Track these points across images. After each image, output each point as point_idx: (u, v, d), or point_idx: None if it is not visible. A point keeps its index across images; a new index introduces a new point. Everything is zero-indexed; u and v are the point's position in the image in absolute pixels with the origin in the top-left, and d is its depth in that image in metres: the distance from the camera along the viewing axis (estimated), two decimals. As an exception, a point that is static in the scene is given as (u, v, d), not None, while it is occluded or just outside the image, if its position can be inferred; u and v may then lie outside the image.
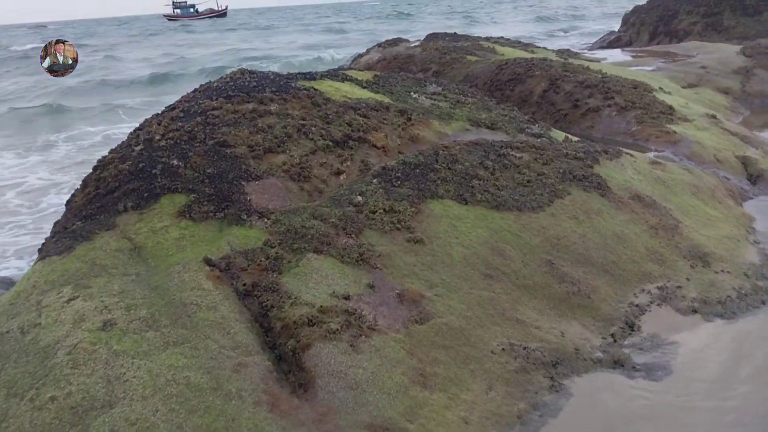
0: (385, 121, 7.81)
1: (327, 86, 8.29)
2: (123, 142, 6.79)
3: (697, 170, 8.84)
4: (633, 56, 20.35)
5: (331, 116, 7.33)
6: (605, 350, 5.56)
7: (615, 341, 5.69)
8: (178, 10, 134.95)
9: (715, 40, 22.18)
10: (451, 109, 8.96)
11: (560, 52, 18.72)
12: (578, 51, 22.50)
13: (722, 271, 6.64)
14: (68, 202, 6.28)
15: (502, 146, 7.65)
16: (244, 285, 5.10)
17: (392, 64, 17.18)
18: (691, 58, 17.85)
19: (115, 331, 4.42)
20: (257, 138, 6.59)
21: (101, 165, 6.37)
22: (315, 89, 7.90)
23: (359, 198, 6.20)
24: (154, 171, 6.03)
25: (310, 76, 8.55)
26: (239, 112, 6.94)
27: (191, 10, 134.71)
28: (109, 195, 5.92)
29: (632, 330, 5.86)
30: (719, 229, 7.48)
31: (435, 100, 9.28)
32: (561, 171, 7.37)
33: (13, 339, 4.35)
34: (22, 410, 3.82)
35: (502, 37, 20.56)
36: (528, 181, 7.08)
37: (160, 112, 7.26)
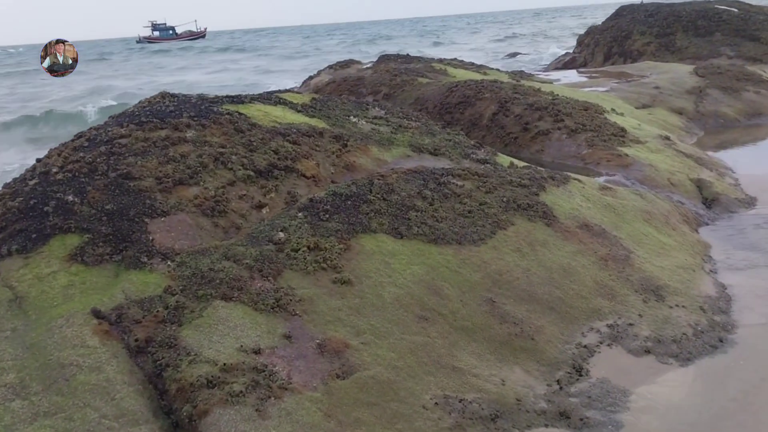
0: (318, 148, 7.24)
1: (255, 110, 7.70)
2: (19, 176, 6.09)
3: (650, 195, 8.44)
4: (587, 77, 20.22)
5: (255, 143, 6.73)
6: (550, 399, 5.02)
7: (561, 388, 5.16)
8: (156, 33, 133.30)
9: (668, 60, 22.21)
10: (392, 134, 8.44)
11: (513, 74, 18.45)
12: (532, 72, 22.32)
13: (677, 305, 6.18)
14: (-48, 244, 5.55)
15: (442, 174, 7.14)
16: (136, 340, 4.44)
17: (342, 87, 16.70)
18: (645, 78, 17.71)
19: (-30, 403, 3.73)
20: (167, 169, 5.95)
21: (-10, 201, 5.67)
22: (240, 113, 7.30)
23: (281, 234, 5.60)
24: (46, 209, 5.36)
25: (238, 100, 7.95)
26: (150, 140, 6.30)
27: (170, 32, 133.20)
28: (-7, 236, 5.22)
29: (580, 375, 5.33)
30: (673, 258, 7.05)
31: (376, 124, 8.75)
32: (505, 200, 6.88)
33: None
34: None
35: (455, 59, 20.25)
36: (469, 212, 6.57)
37: (64, 142, 6.58)
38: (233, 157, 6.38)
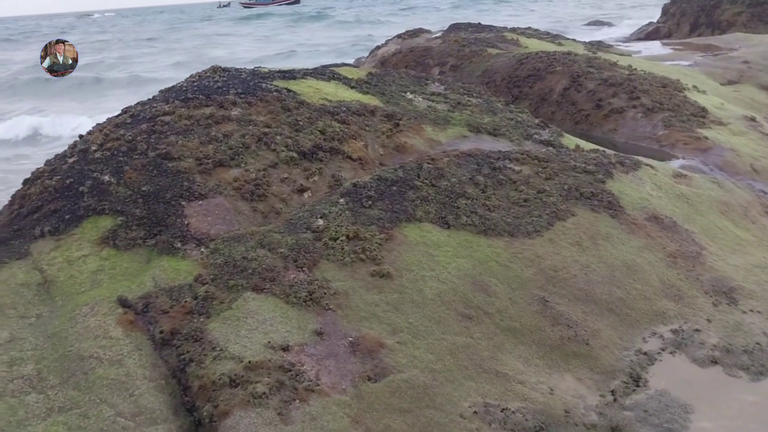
0: (368, 128, 6.90)
1: (306, 87, 7.40)
2: (61, 152, 6.01)
3: (729, 183, 7.73)
4: (671, 49, 18.99)
5: (301, 122, 6.44)
6: (602, 412, 4.61)
7: (615, 400, 4.74)
8: None
9: (761, 31, 20.61)
10: (449, 112, 8.01)
11: (590, 45, 17.47)
12: (611, 43, 21.16)
13: (751, 310, 5.61)
14: (-7, 221, 5.54)
15: (498, 158, 6.68)
16: (162, 332, 4.28)
17: (408, 57, 16.22)
18: (733, 52, 16.44)
19: (-15, 394, 3.63)
20: (208, 149, 5.74)
21: (31, 179, 5.61)
22: (289, 90, 7.01)
23: (320, 222, 5.32)
24: (81, 189, 5.24)
25: (290, 75, 7.66)
26: (193, 118, 6.10)
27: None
28: (30, 216, 5.15)
29: (637, 385, 4.89)
30: (750, 256, 6.41)
31: (433, 101, 8.33)
32: (566, 187, 6.38)
33: None
34: None
35: (529, 28, 19.38)
36: (525, 200, 6.12)
37: (109, 117, 6.47)
38: (277, 137, 6.11)
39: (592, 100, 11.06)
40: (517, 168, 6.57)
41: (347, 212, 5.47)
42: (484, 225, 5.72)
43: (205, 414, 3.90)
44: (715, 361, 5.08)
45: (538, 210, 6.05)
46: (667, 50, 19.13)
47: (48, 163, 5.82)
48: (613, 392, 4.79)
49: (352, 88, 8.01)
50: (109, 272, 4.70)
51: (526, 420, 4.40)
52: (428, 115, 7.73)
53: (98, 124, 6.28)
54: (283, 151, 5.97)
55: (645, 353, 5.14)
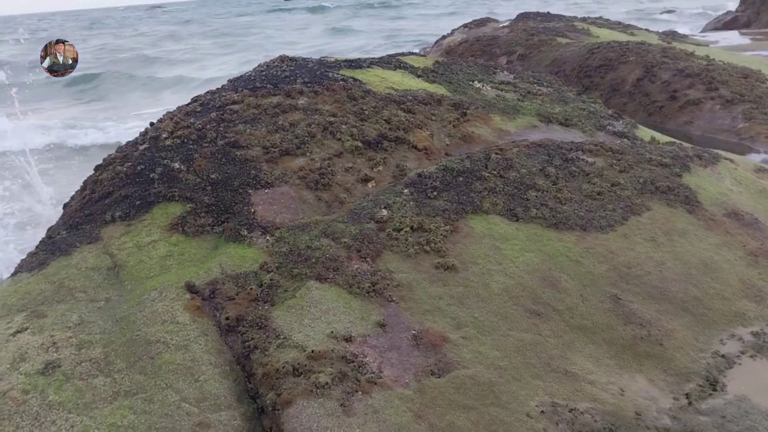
0: (434, 117, 6.79)
1: (372, 76, 7.34)
2: (133, 139, 6.12)
3: (817, 179, 7.29)
4: (750, 39, 18.18)
5: (367, 112, 6.39)
6: (676, 416, 4.40)
7: (690, 404, 4.51)
8: None
9: None
10: (518, 101, 7.82)
11: (664, 35, 16.88)
12: (686, 33, 20.38)
13: (841, 315, 5.26)
14: (65, 206, 5.69)
15: (571, 149, 6.47)
16: (227, 318, 4.29)
17: (474, 47, 16.02)
18: (819, 41, 15.61)
19: (56, 375, 3.71)
20: (275, 138, 5.75)
21: (102, 165, 5.73)
22: (355, 79, 6.97)
23: (384, 212, 5.25)
24: (152, 175, 5.32)
25: (356, 64, 7.61)
26: (261, 107, 6.12)
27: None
28: (101, 201, 5.26)
29: (714, 389, 4.64)
30: (840, 257, 6.02)
31: (502, 90, 8.15)
32: (641, 181, 6.13)
33: (-59, 379, 3.73)
34: None
35: (600, 17, 18.85)
36: (598, 193, 5.90)
37: (180, 105, 6.56)
38: (343, 126, 6.08)
39: (666, 91, 10.67)
40: (590, 160, 6.35)
41: (411, 203, 5.39)
42: (555, 218, 5.55)
43: (268, 402, 3.90)
44: (800, 367, 4.78)
45: (611, 203, 5.83)
46: (746, 40, 18.34)
47: (119, 149, 5.94)
48: (687, 396, 4.56)
49: (419, 77, 7.91)
50: (177, 258, 4.75)
51: (595, 421, 4.24)
52: (497, 105, 7.57)
53: (168, 112, 6.38)
54: (348, 140, 5.93)
55: (723, 356, 4.89)
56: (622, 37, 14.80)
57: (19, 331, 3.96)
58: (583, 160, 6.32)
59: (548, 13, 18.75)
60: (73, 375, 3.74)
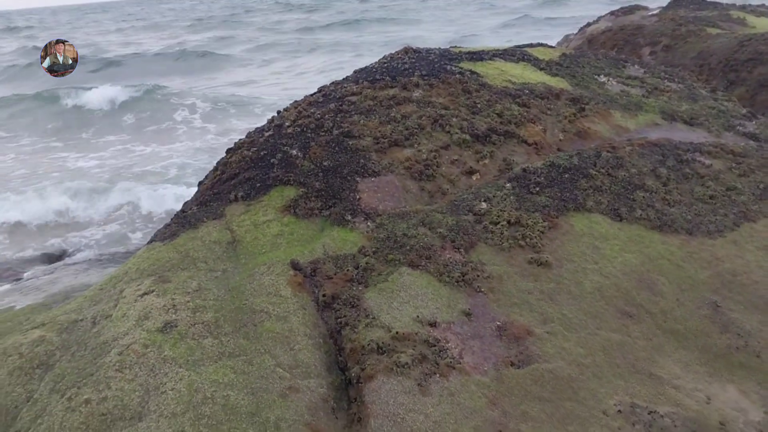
0: (549, 111, 6.81)
1: (492, 68, 7.45)
2: (261, 126, 6.68)
3: None
4: None
5: (480, 105, 6.53)
6: (764, 431, 4.27)
7: (785, 421, 4.35)
8: None
9: None
10: (643, 97, 7.62)
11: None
12: None
13: None
14: (200, 183, 6.34)
15: (687, 149, 6.28)
16: (324, 296, 4.69)
17: (617, 36, 15.46)
18: None
19: (173, 334, 4.27)
20: (386, 129, 6.06)
21: (233, 149, 6.32)
22: (473, 72, 7.11)
23: (483, 205, 5.42)
24: (272, 160, 5.82)
25: (478, 57, 7.74)
26: (377, 99, 6.45)
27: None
28: (228, 182, 5.83)
29: (814, 409, 4.44)
30: None
31: (628, 85, 7.96)
32: (761, 186, 5.85)
33: (82, 329, 4.40)
34: (57, 409, 3.81)
35: (763, 5, 17.46)
36: (711, 197, 5.72)
37: (305, 95, 7.04)
38: (453, 119, 6.27)
39: (823, 89, 9.84)
40: (707, 162, 6.13)
41: (512, 197, 5.51)
42: (660, 220, 5.46)
43: (353, 375, 4.24)
44: None
45: (724, 208, 5.63)
46: None
47: (248, 135, 6.51)
48: (782, 412, 4.40)
49: (541, 69, 7.91)
50: (287, 237, 5.21)
51: (675, 426, 4.22)
52: (618, 100, 7.43)
53: (295, 102, 6.87)
54: (456, 133, 6.12)
55: (829, 376, 4.64)
56: (784, 27, 13.70)
57: (146, 293, 4.57)
58: (699, 161, 6.11)
59: (703, 0, 17.65)
60: (186, 335, 4.28)
